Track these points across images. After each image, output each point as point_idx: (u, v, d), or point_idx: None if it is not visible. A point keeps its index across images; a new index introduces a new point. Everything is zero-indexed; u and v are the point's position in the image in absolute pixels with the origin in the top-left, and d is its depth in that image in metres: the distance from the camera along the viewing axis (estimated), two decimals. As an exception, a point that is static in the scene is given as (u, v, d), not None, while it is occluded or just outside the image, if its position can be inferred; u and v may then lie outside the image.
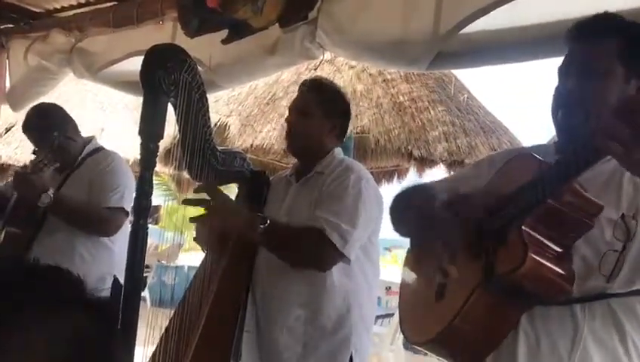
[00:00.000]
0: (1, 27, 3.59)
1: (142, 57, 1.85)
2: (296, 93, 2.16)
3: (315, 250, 1.90)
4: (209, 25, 2.39)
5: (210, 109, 1.98)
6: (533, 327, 1.20)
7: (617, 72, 1.20)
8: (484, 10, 1.78)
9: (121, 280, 1.90)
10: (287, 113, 2.15)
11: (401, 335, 1.43)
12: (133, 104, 7.57)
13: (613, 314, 1.17)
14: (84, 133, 2.88)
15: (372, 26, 2.09)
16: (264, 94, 6.38)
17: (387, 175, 6.60)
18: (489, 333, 1.23)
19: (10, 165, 7.38)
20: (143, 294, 2.13)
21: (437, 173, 5.60)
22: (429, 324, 1.30)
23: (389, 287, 6.87)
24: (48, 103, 2.86)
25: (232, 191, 2.27)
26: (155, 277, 9.04)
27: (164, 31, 2.71)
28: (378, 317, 6.31)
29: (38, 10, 3.41)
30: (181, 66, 1.83)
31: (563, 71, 1.27)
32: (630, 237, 1.15)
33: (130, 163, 5.04)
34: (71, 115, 2.82)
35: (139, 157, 1.82)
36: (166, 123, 1.83)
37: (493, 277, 1.17)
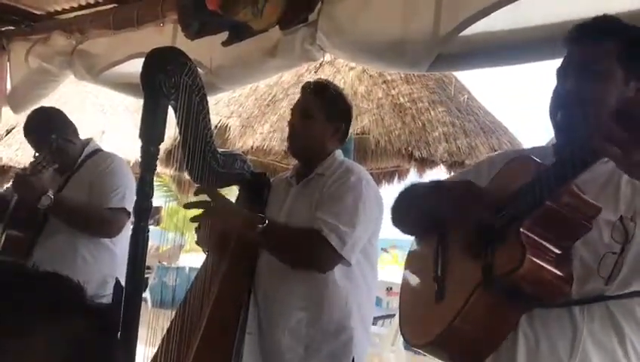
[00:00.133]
0: (2, 29, 3.60)
1: (142, 59, 1.86)
2: (296, 95, 2.17)
3: (313, 251, 1.90)
4: (209, 27, 2.39)
5: (210, 111, 1.99)
6: (533, 329, 1.20)
7: (616, 74, 1.21)
8: (484, 12, 1.79)
9: (123, 282, 1.90)
10: (287, 115, 2.15)
11: (402, 336, 1.43)
12: (133, 106, 7.57)
13: (612, 317, 1.17)
14: (85, 135, 2.88)
15: (372, 28, 2.09)
16: (264, 96, 6.38)
17: (387, 176, 6.60)
18: (489, 334, 1.23)
19: (10, 167, 7.39)
20: (144, 295, 2.13)
21: (437, 174, 5.61)
22: (428, 326, 1.30)
23: (390, 288, 6.86)
24: (48, 107, 2.87)
25: (232, 193, 2.27)
26: (156, 278, 9.04)
27: (165, 33, 2.72)
28: (379, 317, 6.31)
29: (39, 13, 3.42)
30: (181, 69, 1.84)
31: (562, 72, 1.27)
32: (628, 239, 1.15)
33: (131, 165, 5.05)
34: (71, 118, 2.83)
35: (139, 159, 1.82)
36: (167, 125, 1.84)
37: (492, 278, 1.17)
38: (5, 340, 0.49)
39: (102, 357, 0.55)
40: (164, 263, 9.43)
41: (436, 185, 1.45)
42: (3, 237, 2.71)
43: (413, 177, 6.07)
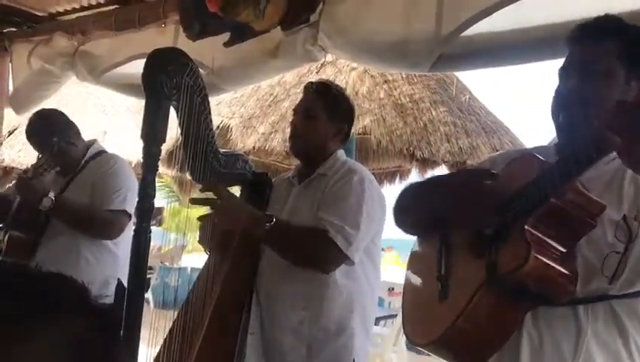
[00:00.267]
0: (4, 31, 3.60)
1: (144, 60, 1.86)
2: (298, 96, 2.17)
3: (319, 251, 1.90)
4: (211, 28, 2.40)
5: (212, 111, 1.99)
6: (537, 329, 1.20)
7: (618, 73, 1.21)
8: (486, 12, 1.78)
9: (125, 283, 1.91)
10: (289, 115, 2.15)
11: (404, 337, 1.43)
12: (135, 107, 7.58)
13: (616, 316, 1.17)
14: (87, 136, 2.89)
15: (374, 28, 2.09)
16: (266, 96, 6.39)
17: (389, 176, 6.60)
18: (492, 334, 1.23)
19: (13, 168, 7.40)
20: (146, 296, 2.13)
21: (439, 174, 5.60)
22: (432, 325, 1.30)
23: (392, 288, 6.86)
24: (50, 109, 2.87)
25: (234, 193, 2.27)
26: (158, 278, 9.05)
27: (167, 34, 2.72)
28: (381, 318, 6.30)
29: (41, 14, 3.42)
30: (183, 70, 1.84)
31: (563, 72, 1.27)
32: (632, 238, 1.15)
33: (133, 165, 5.06)
34: (73, 119, 2.84)
35: (141, 160, 1.83)
36: (168, 125, 1.84)
37: (496, 277, 1.17)
38: (11, 341, 0.49)
39: (107, 357, 0.55)
40: (167, 264, 9.45)
41: (436, 182, 1.44)
42: (5, 239, 2.72)
43: (414, 177, 6.06)
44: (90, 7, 3.17)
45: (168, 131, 1.83)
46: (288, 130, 2.15)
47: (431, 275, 1.37)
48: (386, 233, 2.08)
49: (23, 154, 7.29)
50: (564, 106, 1.25)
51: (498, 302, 1.20)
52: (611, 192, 1.20)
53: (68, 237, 2.61)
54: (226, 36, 2.40)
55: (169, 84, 1.80)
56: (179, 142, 2.03)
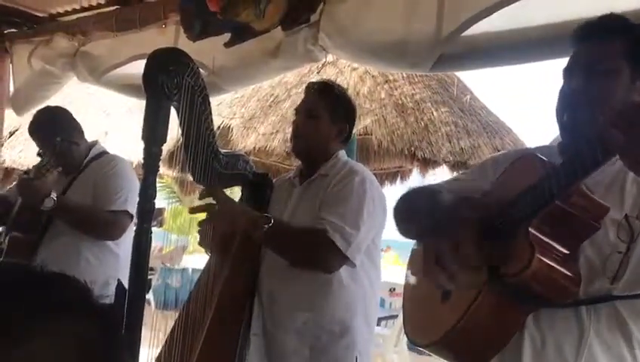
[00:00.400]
0: (5, 32, 3.61)
1: (145, 61, 1.86)
2: (299, 96, 2.17)
3: (318, 252, 1.90)
4: (211, 28, 2.40)
5: (213, 112, 1.99)
6: (539, 330, 1.19)
7: (623, 72, 1.20)
8: (487, 12, 1.78)
9: (126, 283, 1.90)
10: (290, 115, 2.15)
11: (405, 337, 1.43)
12: (136, 107, 7.57)
13: (619, 317, 1.16)
14: (88, 137, 2.89)
15: (374, 28, 2.09)
16: (267, 96, 6.38)
17: (390, 176, 6.60)
18: (495, 335, 1.22)
19: (14, 169, 7.40)
20: (147, 297, 2.13)
21: (440, 174, 5.60)
22: (433, 326, 1.30)
23: (393, 289, 6.87)
24: (54, 107, 2.87)
25: (235, 193, 2.27)
26: (160, 279, 9.06)
27: (167, 34, 2.72)
28: (382, 318, 6.30)
29: (41, 15, 3.43)
30: (183, 70, 1.84)
31: (568, 72, 1.27)
32: (634, 238, 1.14)
33: (134, 166, 5.05)
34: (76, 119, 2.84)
35: (142, 160, 1.82)
36: (169, 126, 1.84)
37: (499, 278, 1.17)
38: (15, 341, 0.49)
39: (109, 357, 0.55)
40: (168, 265, 9.45)
41: (434, 201, 1.38)
42: (7, 239, 2.72)
43: (416, 178, 6.07)
44: (91, 7, 3.17)
45: (169, 132, 1.83)
46: (289, 131, 2.14)
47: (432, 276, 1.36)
48: (384, 233, 2.08)
49: (23, 155, 7.29)
50: (569, 106, 1.24)
51: (500, 303, 1.19)
52: (613, 192, 1.20)
53: (69, 237, 2.61)
54: (226, 36, 2.39)
55: (170, 85, 1.79)
56: (179, 142, 2.03)
